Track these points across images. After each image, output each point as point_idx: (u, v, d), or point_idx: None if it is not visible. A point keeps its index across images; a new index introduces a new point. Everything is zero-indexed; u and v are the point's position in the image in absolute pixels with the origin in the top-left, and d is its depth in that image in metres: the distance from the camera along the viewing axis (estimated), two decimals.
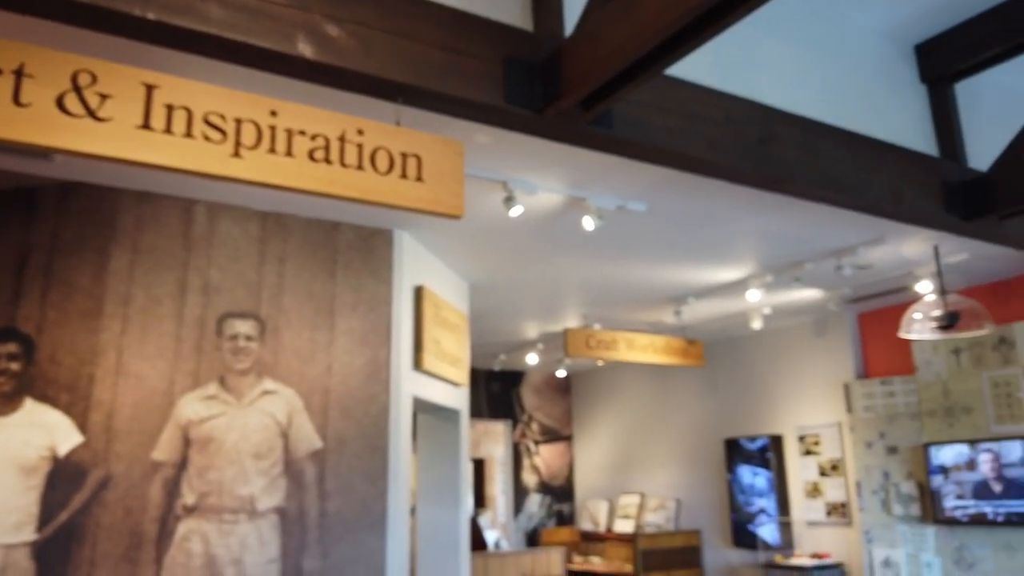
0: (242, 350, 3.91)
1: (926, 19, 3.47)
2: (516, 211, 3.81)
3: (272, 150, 2.25)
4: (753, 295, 5.54)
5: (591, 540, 8.87)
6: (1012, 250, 4.13)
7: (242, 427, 3.80)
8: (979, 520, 5.31)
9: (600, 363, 8.59)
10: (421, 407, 5.05)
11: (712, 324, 6.92)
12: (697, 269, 5.38)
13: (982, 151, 3.56)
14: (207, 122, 2.21)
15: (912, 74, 3.62)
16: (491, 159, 3.56)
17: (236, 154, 2.22)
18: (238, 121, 2.24)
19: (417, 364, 4.51)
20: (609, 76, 2.31)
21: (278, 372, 3.96)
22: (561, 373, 9.36)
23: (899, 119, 3.48)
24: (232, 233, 4.04)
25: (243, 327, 3.94)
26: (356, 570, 3.87)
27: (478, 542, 7.74)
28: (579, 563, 8.46)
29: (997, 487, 5.26)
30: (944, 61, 3.55)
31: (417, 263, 4.72)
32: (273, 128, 2.27)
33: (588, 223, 4.06)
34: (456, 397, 5.27)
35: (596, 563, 8.38)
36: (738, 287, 5.65)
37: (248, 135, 2.24)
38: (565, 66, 2.43)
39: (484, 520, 8.89)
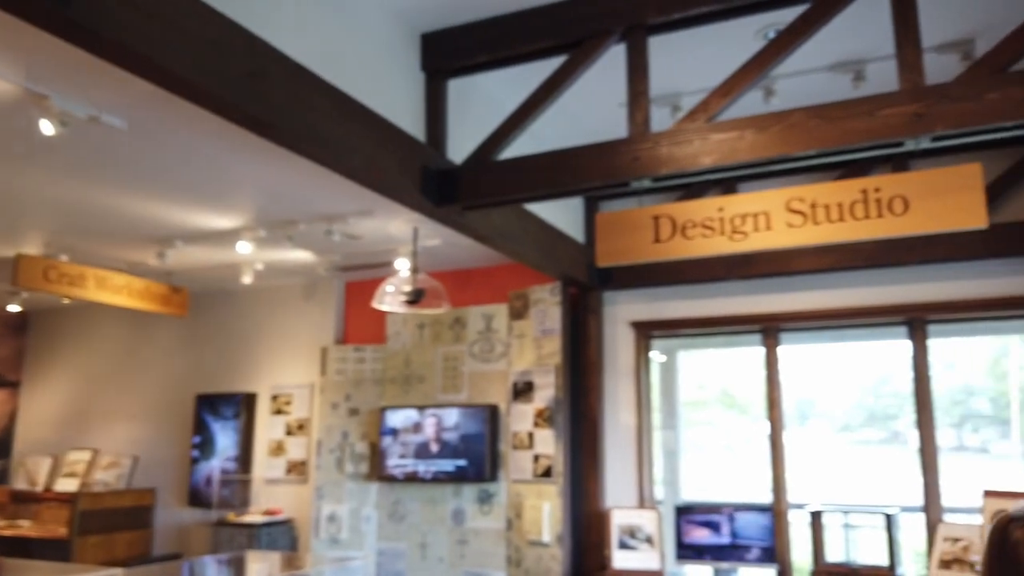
0: None
1: (434, 12, 3.71)
2: None
3: None
4: (244, 247, 5.36)
5: (24, 501, 7.66)
6: (474, 242, 4.68)
7: None
8: (412, 477, 5.97)
9: (67, 301, 7.48)
10: None
11: (201, 273, 6.53)
12: (187, 210, 4.99)
13: (460, 146, 3.95)
14: None
15: (415, 60, 3.84)
16: None
17: None
18: None
19: None
20: None
21: None
22: (14, 308, 7.90)
23: (395, 98, 3.66)
24: None
25: None
26: None
27: None
28: (2, 528, 7.24)
29: (435, 448, 5.97)
30: (443, 56, 3.84)
31: None
32: None
33: (47, 127, 3.41)
34: None
35: (25, 527, 7.27)
36: (230, 237, 5.41)
37: None
38: None
39: None
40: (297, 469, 6.62)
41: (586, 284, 5.69)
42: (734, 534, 5.13)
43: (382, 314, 6.34)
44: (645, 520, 5.32)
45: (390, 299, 5.03)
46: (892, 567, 4.61)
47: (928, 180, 2.93)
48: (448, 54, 3.87)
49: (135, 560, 6.58)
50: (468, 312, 6.15)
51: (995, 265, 4.76)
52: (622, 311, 5.85)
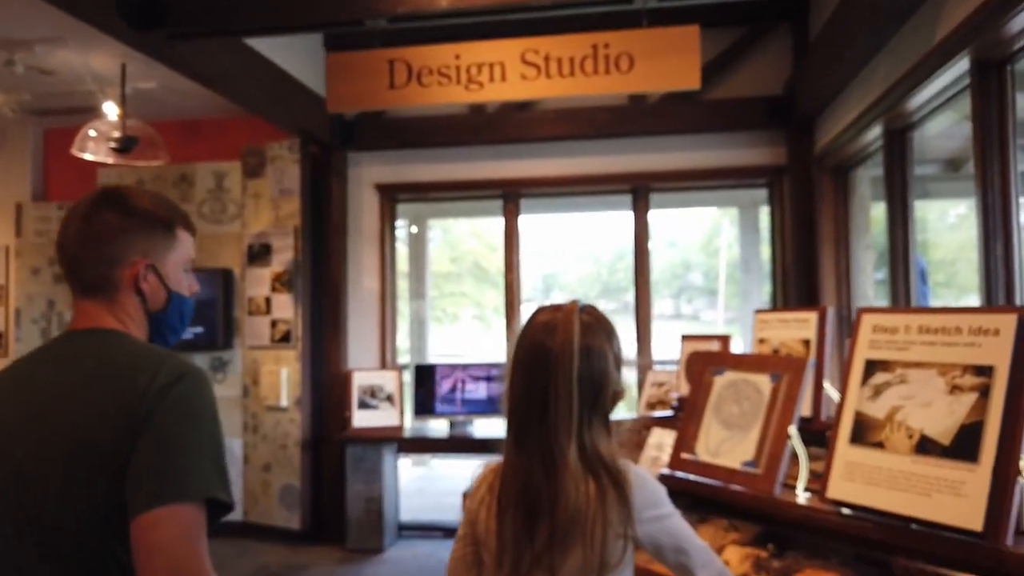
0: None
1: None
2: None
3: None
4: None
5: None
6: (200, 88, 4.18)
7: None
8: None
9: None
10: None
11: None
12: None
13: None
14: None
15: None
16: None
17: None
18: None
19: None
20: None
21: None
22: None
23: None
24: None
25: None
26: None
27: None
28: None
29: None
30: None
31: None
32: None
33: None
34: None
35: None
36: None
37: None
38: None
39: None
40: None
41: (328, 143, 5.38)
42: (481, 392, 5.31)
43: (91, 168, 5.56)
44: (386, 380, 5.37)
45: (94, 146, 4.38)
46: None
47: (652, 39, 3.01)
48: None
49: None
50: (196, 168, 5.58)
51: (710, 139, 5.17)
52: (367, 173, 5.64)
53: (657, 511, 1.27)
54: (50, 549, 1.09)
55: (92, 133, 4.37)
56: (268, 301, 5.37)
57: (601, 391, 1.26)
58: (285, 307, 5.35)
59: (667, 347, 5.48)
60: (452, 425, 5.27)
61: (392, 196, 5.68)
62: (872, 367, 1.56)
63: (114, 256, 1.24)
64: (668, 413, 3.24)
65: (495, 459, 1.34)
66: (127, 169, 5.53)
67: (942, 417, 1.40)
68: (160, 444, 1.09)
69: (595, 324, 1.29)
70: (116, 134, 4.36)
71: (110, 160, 4.51)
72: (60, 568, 1.09)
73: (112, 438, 1.09)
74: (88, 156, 4.42)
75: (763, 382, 1.81)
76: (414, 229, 8.12)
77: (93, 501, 1.09)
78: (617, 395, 1.30)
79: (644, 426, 3.11)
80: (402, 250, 7.88)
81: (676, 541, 1.28)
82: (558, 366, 1.22)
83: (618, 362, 1.30)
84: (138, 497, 1.06)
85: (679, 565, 1.30)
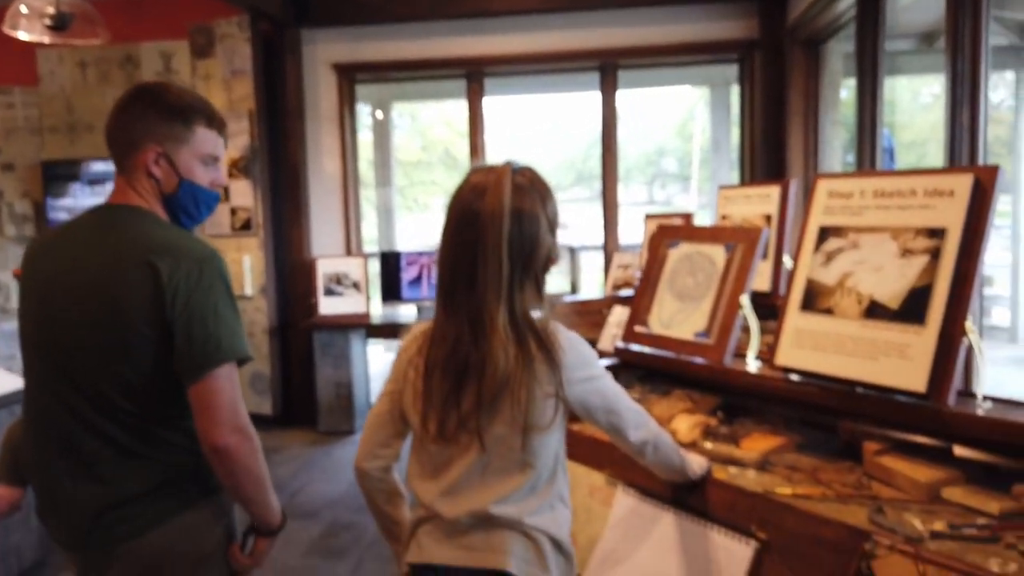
0: None
1: None
2: None
3: None
4: None
5: None
6: None
7: None
8: None
9: None
10: None
11: None
12: None
13: None
14: None
15: None
16: None
17: None
18: None
19: None
20: None
21: None
22: None
23: None
24: None
25: None
26: None
27: None
28: None
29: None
30: None
31: None
32: None
33: None
34: None
35: None
36: None
37: None
38: None
39: None
40: None
41: (280, 19, 5.09)
42: None
43: (30, 49, 5.24)
44: (352, 267, 5.32)
45: (27, 24, 4.08)
46: (573, 289, 5.16)
47: None
48: None
49: None
50: (141, 49, 5.28)
51: (680, 11, 4.96)
52: (323, 52, 5.38)
53: (587, 372, 1.26)
54: (99, 404, 1.37)
55: (24, 10, 4.06)
56: (226, 188, 5.22)
57: (532, 255, 1.22)
58: (244, 194, 5.20)
59: (638, 234, 5.48)
60: (420, 310, 5.27)
61: (350, 76, 5.45)
62: (825, 233, 1.54)
63: (133, 141, 1.43)
64: (631, 292, 3.24)
65: (426, 321, 1.32)
66: (67, 49, 5.23)
67: (892, 281, 1.38)
68: (197, 325, 1.33)
69: (528, 186, 1.23)
70: (50, 10, 4.06)
71: (46, 39, 4.22)
72: (107, 417, 1.37)
73: (141, 319, 1.34)
74: (21, 35, 4.13)
75: (717, 253, 1.78)
76: (379, 114, 7.86)
77: (128, 369, 1.35)
78: (550, 260, 1.26)
79: (606, 305, 3.11)
80: (367, 137, 7.65)
81: (607, 402, 1.28)
82: (487, 229, 1.17)
83: (552, 226, 1.25)
84: (188, 368, 1.33)
85: (611, 426, 1.30)
